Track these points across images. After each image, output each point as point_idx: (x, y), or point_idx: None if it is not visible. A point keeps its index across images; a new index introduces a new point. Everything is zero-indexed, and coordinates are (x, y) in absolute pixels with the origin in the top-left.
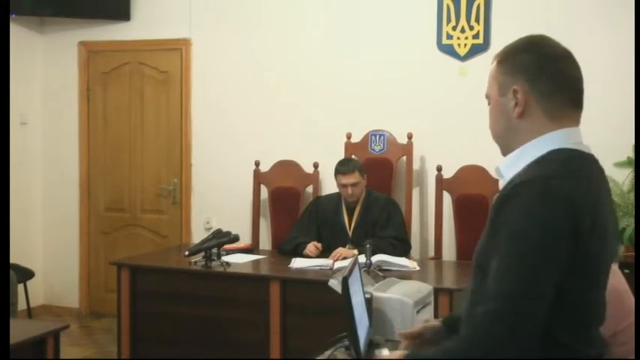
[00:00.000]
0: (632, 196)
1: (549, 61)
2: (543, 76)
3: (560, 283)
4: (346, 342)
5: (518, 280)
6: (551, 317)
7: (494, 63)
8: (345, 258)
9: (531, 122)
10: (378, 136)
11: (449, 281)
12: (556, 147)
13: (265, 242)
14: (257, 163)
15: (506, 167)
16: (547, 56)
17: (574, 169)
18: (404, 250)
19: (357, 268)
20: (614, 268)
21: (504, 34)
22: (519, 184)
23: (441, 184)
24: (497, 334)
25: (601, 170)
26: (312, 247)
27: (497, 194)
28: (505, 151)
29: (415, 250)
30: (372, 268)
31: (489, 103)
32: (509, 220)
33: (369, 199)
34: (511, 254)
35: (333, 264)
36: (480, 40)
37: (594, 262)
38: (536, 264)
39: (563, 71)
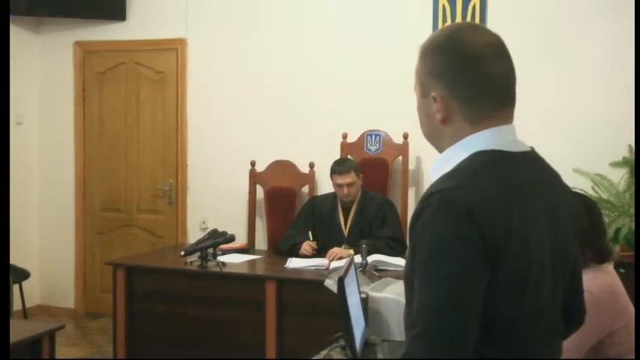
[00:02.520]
0: (627, 195)
1: (468, 63)
2: (463, 82)
3: (483, 298)
4: (342, 342)
5: (436, 300)
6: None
7: (418, 55)
8: (340, 258)
9: (454, 128)
10: (373, 136)
11: None
12: (477, 150)
13: (261, 242)
14: (253, 163)
15: (433, 173)
16: (466, 57)
17: (484, 176)
18: (400, 250)
19: (352, 268)
20: (610, 268)
21: (501, 34)
22: (424, 199)
23: None
24: (428, 357)
25: (537, 169)
26: (307, 246)
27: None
28: (438, 150)
29: None
30: (367, 268)
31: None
32: (418, 237)
33: (365, 199)
34: (425, 275)
35: (329, 264)
36: None
37: (517, 272)
38: (450, 282)
39: (485, 73)
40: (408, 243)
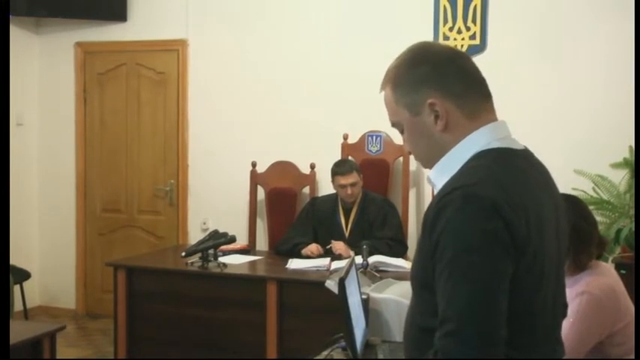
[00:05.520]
0: (628, 197)
1: (447, 63)
2: (450, 78)
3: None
4: (343, 342)
5: (470, 296)
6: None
7: (388, 91)
8: (340, 255)
9: (455, 130)
10: (374, 137)
11: None
12: (481, 148)
13: (262, 243)
14: (254, 164)
15: (436, 176)
16: (443, 59)
17: (499, 172)
18: (400, 250)
19: (353, 269)
20: (611, 268)
21: (501, 35)
22: (444, 196)
23: None
24: (463, 355)
25: (536, 165)
26: (313, 247)
27: (429, 206)
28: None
29: (411, 250)
30: (368, 269)
31: (402, 131)
32: (443, 234)
33: (366, 199)
34: (455, 271)
35: (330, 264)
36: (477, 41)
37: (534, 267)
38: (482, 277)
39: (464, 67)
40: (419, 241)
